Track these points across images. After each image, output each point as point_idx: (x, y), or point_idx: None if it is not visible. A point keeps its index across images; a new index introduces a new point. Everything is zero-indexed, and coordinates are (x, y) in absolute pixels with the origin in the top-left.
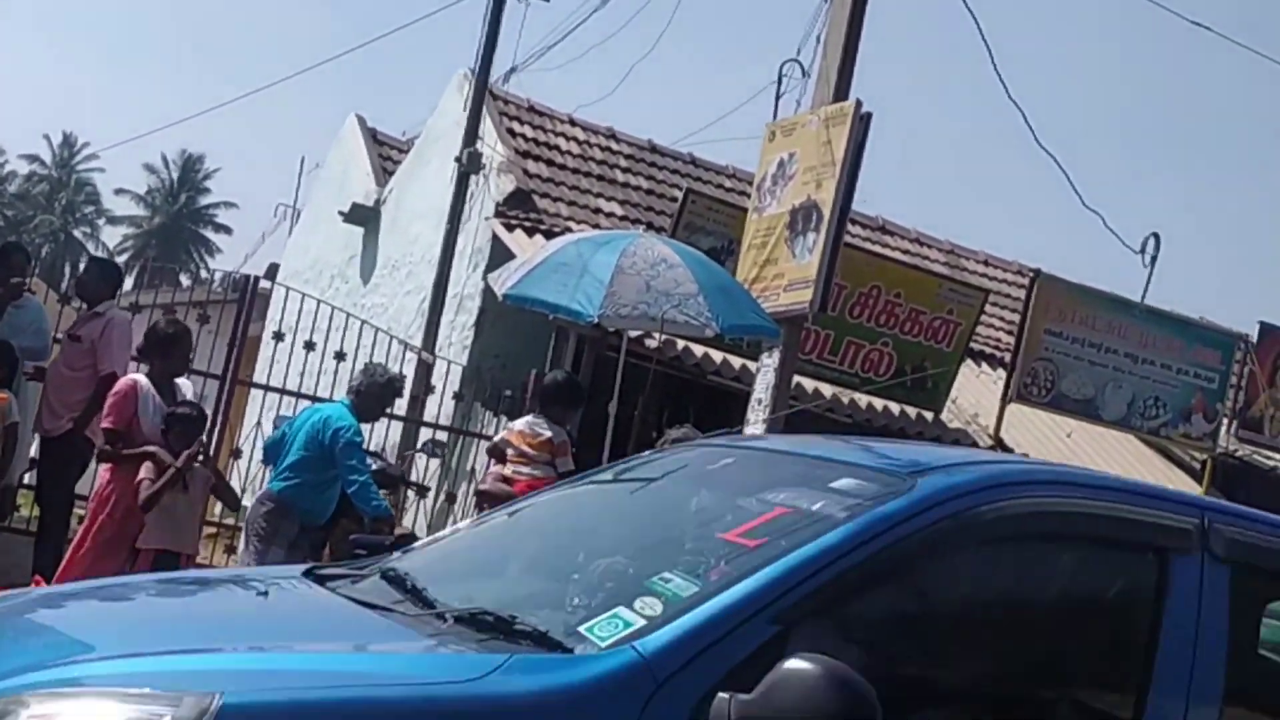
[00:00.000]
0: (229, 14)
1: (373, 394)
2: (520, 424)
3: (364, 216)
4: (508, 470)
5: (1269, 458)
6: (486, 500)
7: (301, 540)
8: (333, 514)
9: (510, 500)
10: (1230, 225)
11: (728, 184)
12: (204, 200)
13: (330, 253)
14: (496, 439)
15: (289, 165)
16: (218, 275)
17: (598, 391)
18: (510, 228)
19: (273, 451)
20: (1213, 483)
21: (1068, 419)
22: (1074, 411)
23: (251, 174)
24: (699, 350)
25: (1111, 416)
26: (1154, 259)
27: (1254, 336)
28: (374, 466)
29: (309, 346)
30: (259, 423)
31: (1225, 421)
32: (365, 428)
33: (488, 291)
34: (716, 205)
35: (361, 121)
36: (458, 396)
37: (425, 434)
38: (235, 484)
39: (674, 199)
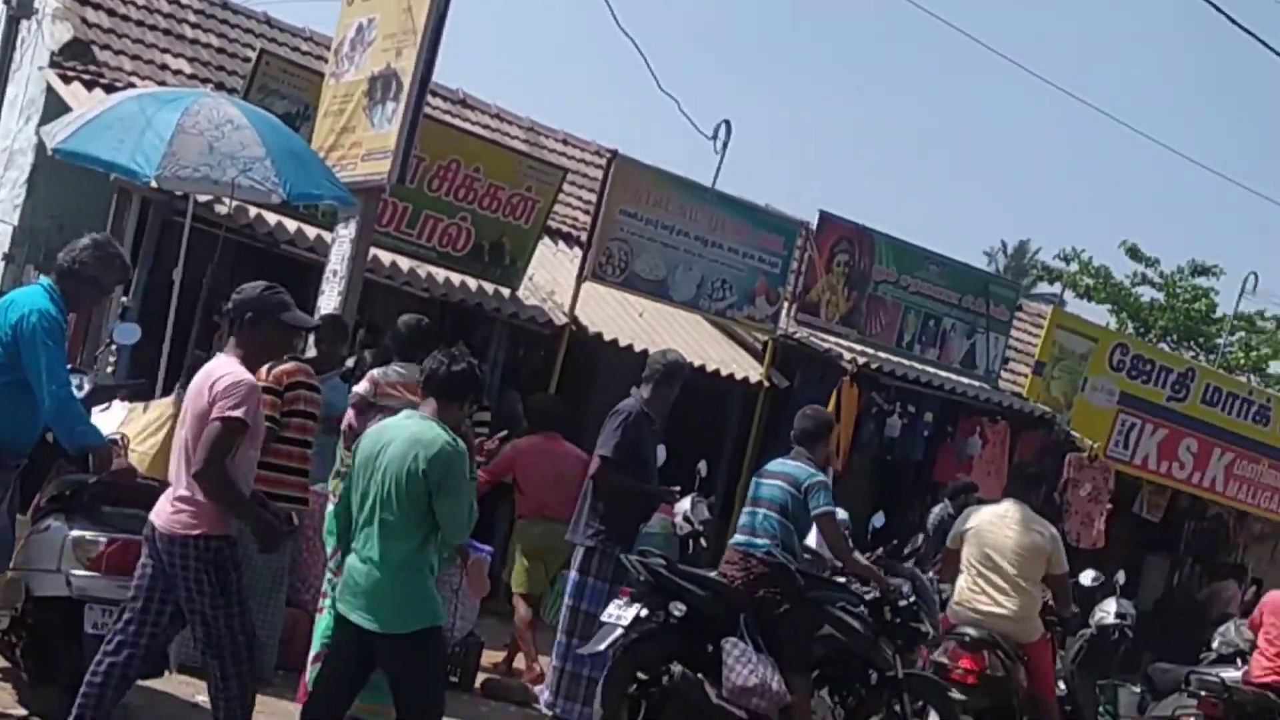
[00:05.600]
0: None
1: (90, 276)
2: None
3: None
4: None
5: (823, 340)
6: None
7: None
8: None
9: None
10: (795, 118)
11: (304, 47)
12: None
13: None
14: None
15: None
16: None
17: (163, 258)
18: (67, 80)
19: None
20: (773, 362)
21: (640, 298)
22: (646, 291)
23: None
24: (272, 218)
25: (681, 297)
26: (725, 146)
27: (814, 225)
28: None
29: None
30: None
31: (786, 305)
32: None
33: (42, 147)
34: (292, 68)
35: None
36: (7, 258)
37: None
38: None
39: (247, 59)
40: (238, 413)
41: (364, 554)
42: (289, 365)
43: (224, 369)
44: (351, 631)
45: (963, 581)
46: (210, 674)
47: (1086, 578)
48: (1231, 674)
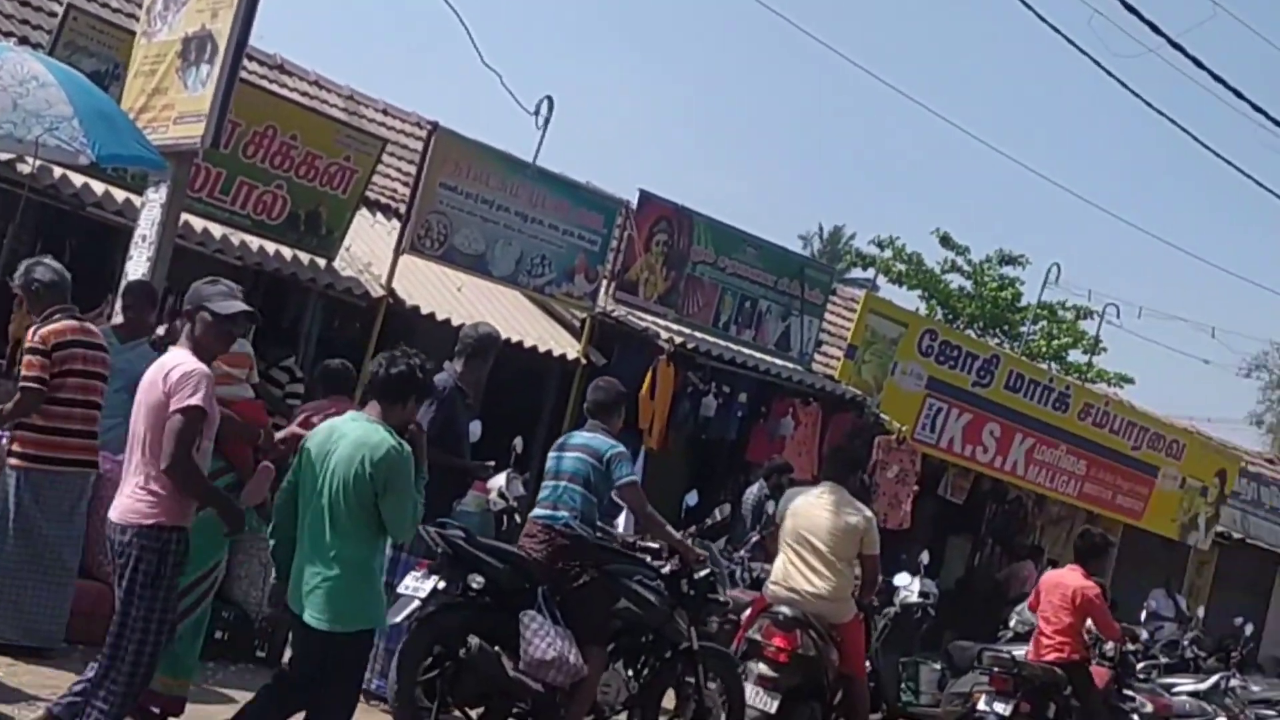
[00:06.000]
0: None
1: None
2: None
3: None
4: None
5: (641, 318)
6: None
7: None
8: None
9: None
10: (617, 97)
11: (114, 3)
12: None
13: None
14: None
15: None
16: None
17: None
18: None
19: None
20: (590, 340)
21: (459, 273)
22: (465, 266)
23: None
24: (78, 180)
25: (500, 273)
26: (547, 122)
27: (634, 204)
28: None
29: None
30: None
31: (604, 283)
32: None
33: None
34: (102, 25)
35: None
36: None
37: None
38: None
39: (53, 14)
40: (195, 400)
41: (313, 553)
42: (59, 324)
43: (175, 360)
44: (302, 629)
45: (780, 561)
46: (104, 663)
47: (900, 579)
48: (1023, 651)
